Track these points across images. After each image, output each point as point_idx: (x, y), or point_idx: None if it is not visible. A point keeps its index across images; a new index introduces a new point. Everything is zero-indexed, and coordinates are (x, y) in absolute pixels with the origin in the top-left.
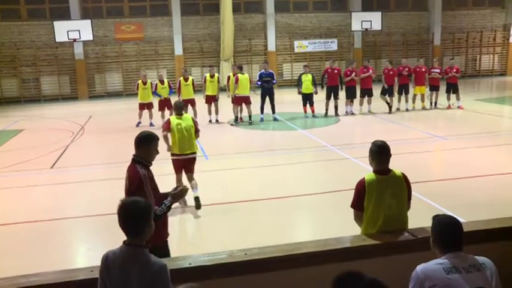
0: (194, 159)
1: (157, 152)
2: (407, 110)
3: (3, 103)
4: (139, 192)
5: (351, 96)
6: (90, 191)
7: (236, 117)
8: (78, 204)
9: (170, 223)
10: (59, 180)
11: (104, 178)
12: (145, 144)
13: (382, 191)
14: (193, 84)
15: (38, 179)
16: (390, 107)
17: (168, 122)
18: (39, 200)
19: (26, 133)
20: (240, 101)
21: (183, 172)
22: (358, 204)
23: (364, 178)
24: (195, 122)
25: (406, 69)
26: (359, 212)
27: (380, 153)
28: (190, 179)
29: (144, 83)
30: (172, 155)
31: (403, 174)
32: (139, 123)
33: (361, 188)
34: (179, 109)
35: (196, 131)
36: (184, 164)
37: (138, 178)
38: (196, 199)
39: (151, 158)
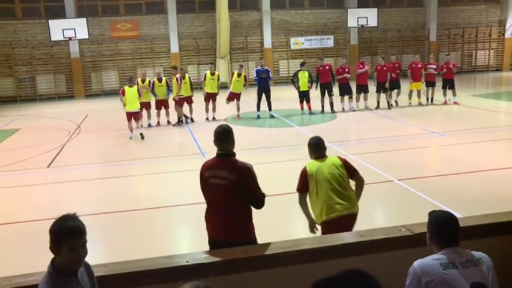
0: None
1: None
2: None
3: None
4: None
5: (344, 93)
6: (87, 190)
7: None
8: (75, 203)
9: (164, 221)
10: (56, 179)
11: (100, 177)
12: (231, 138)
13: (323, 174)
14: (190, 81)
15: (34, 178)
16: (388, 103)
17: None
18: (36, 199)
19: (22, 132)
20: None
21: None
22: (302, 187)
23: (306, 166)
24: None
25: (396, 65)
26: (303, 193)
27: (318, 145)
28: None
29: (143, 81)
30: None
31: (339, 157)
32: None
33: (304, 174)
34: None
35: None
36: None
37: (250, 168)
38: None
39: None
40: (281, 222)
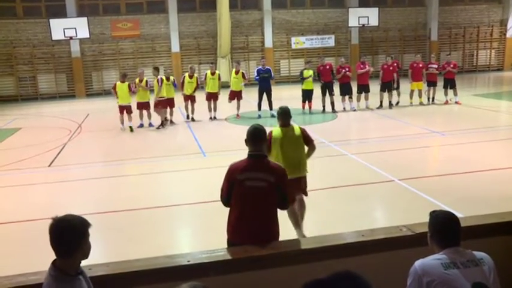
0: None
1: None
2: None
3: (0, 102)
4: None
5: (345, 93)
6: (88, 189)
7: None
8: (76, 202)
9: (165, 221)
10: (57, 178)
11: (101, 176)
12: (265, 138)
13: (284, 140)
14: (197, 82)
15: (35, 177)
16: (390, 102)
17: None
18: (37, 199)
19: (23, 132)
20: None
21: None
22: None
23: (272, 131)
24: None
25: (391, 67)
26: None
27: (285, 114)
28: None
29: (140, 81)
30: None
31: (299, 127)
32: (141, 125)
33: (270, 137)
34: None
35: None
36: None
37: (285, 171)
38: None
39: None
40: (282, 222)
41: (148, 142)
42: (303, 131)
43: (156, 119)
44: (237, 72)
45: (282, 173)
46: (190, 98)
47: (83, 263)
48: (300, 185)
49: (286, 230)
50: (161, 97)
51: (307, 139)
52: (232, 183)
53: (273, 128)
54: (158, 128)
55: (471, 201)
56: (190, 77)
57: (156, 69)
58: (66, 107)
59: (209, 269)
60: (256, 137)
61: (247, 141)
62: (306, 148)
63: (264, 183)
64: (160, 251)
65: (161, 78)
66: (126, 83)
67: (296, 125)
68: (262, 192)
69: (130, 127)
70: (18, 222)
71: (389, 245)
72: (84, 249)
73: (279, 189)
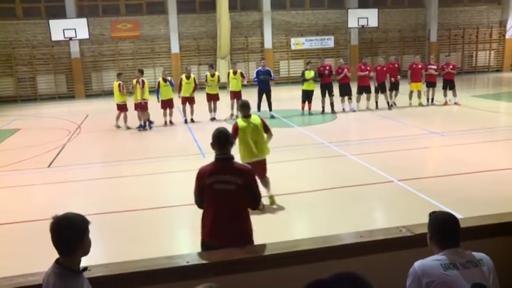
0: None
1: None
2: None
3: None
4: None
5: (344, 94)
6: (88, 190)
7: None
8: (75, 203)
9: (164, 221)
10: (56, 179)
11: (101, 177)
12: (231, 141)
13: (247, 127)
14: (195, 82)
15: (35, 178)
16: (388, 103)
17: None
18: (37, 199)
19: (22, 132)
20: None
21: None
22: (233, 136)
23: (237, 121)
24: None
25: (384, 68)
26: (233, 140)
27: (245, 107)
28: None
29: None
30: None
31: (259, 116)
32: (150, 124)
33: (236, 127)
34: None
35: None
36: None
37: (251, 171)
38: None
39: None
40: (281, 222)
41: (148, 143)
42: (262, 120)
43: (158, 120)
44: (235, 73)
45: (249, 174)
46: (188, 100)
47: (82, 263)
48: (264, 166)
49: (287, 230)
50: (144, 99)
51: (266, 127)
52: (202, 188)
53: (238, 119)
54: (139, 129)
55: (470, 202)
56: (187, 77)
57: (140, 71)
58: (66, 108)
59: (208, 270)
60: (222, 140)
61: (213, 145)
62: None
63: (232, 186)
64: (160, 252)
65: (142, 81)
66: (117, 82)
67: (256, 115)
68: (231, 195)
69: (127, 126)
70: (17, 223)
71: (388, 246)
72: (84, 246)
73: (249, 189)
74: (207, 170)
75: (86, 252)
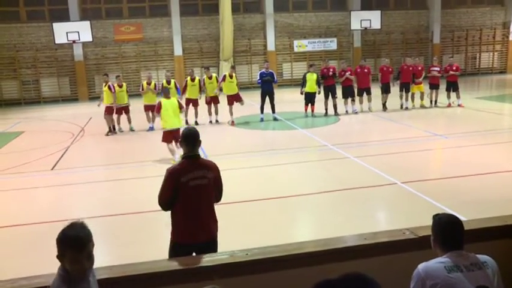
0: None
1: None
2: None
3: (3, 105)
4: None
5: (347, 96)
6: (91, 193)
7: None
8: (79, 205)
9: (167, 224)
10: (60, 181)
11: (104, 179)
12: (198, 140)
13: (167, 105)
14: (199, 84)
15: (38, 180)
16: (383, 104)
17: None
18: (40, 202)
19: (26, 135)
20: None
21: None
22: (158, 110)
23: (160, 101)
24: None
25: (390, 69)
26: (158, 114)
27: (167, 91)
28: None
29: (148, 84)
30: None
31: (176, 99)
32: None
33: (160, 105)
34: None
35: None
36: None
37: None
38: None
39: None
40: (285, 224)
41: (151, 145)
42: (178, 101)
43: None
44: (231, 76)
45: (216, 167)
46: (193, 102)
47: None
48: (178, 134)
49: (290, 233)
50: (112, 104)
51: (180, 106)
52: (176, 188)
53: (161, 99)
54: (107, 134)
55: (474, 204)
56: (193, 80)
57: (106, 75)
58: (69, 111)
59: (212, 272)
60: (192, 139)
61: (181, 143)
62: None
63: (205, 180)
64: (164, 254)
65: (112, 85)
66: (153, 83)
67: (174, 98)
68: (205, 189)
69: (119, 129)
70: (21, 226)
71: (392, 248)
72: (67, 266)
73: (217, 182)
74: (180, 169)
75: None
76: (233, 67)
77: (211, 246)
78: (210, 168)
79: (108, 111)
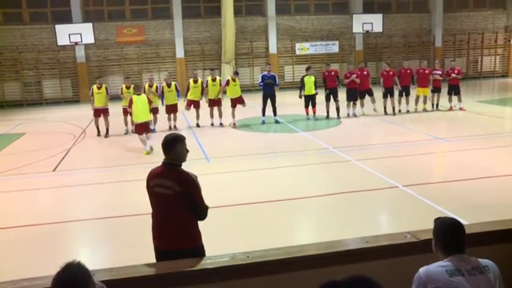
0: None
1: (187, 151)
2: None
3: (6, 106)
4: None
5: (351, 99)
6: (93, 194)
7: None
8: (80, 207)
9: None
10: (61, 183)
11: (106, 181)
12: (175, 147)
13: (137, 101)
14: (202, 86)
15: (40, 182)
16: (394, 108)
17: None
18: (42, 203)
19: (28, 136)
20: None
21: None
22: (130, 105)
23: (132, 97)
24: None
25: (391, 72)
26: (130, 108)
27: (138, 88)
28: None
29: (150, 86)
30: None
31: (145, 95)
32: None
33: (131, 100)
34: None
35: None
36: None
37: (195, 180)
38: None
39: (183, 159)
40: (287, 227)
41: (154, 147)
42: (147, 97)
43: (161, 124)
44: (234, 80)
45: (188, 183)
46: (194, 104)
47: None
48: (148, 126)
49: (291, 236)
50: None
51: (149, 101)
52: (147, 189)
53: (133, 95)
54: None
55: (476, 208)
56: (195, 81)
57: (101, 77)
58: (71, 112)
59: (213, 275)
60: (164, 145)
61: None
62: None
63: (170, 191)
64: None
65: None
66: (154, 85)
67: (144, 95)
68: (169, 200)
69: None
70: (22, 227)
71: (393, 252)
72: None
73: (188, 198)
74: (152, 173)
75: None
76: (236, 73)
77: (178, 257)
78: (181, 182)
79: (97, 113)
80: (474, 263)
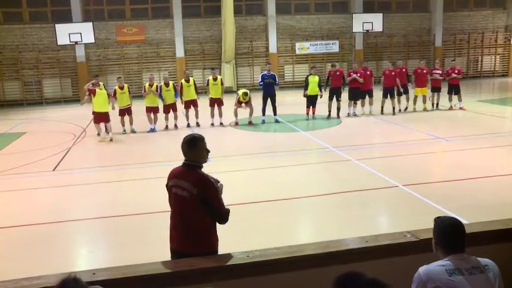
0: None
1: (208, 151)
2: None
3: (6, 106)
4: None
5: (353, 98)
6: (92, 194)
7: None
8: (80, 206)
9: (166, 227)
10: (61, 182)
11: (106, 181)
12: (196, 149)
13: (99, 94)
14: (195, 85)
15: (40, 181)
16: (394, 108)
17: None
18: (42, 203)
19: (28, 136)
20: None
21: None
22: (114, 95)
23: (115, 88)
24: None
25: (393, 73)
26: (114, 97)
27: (120, 80)
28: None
29: (150, 85)
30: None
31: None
32: (152, 129)
33: (115, 91)
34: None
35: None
36: None
37: (214, 183)
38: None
39: (204, 160)
40: (286, 227)
41: (153, 147)
42: (107, 92)
43: (161, 124)
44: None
45: (206, 186)
46: (192, 103)
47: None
48: (106, 116)
49: (291, 235)
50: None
51: (108, 95)
52: (166, 188)
53: (97, 89)
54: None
55: (476, 207)
56: (187, 81)
57: (97, 76)
58: (71, 112)
59: (212, 274)
60: (183, 146)
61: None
62: None
63: (186, 193)
64: (164, 256)
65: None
66: (155, 85)
67: (104, 90)
68: (186, 202)
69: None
70: (22, 226)
71: (393, 251)
72: None
73: (204, 201)
74: (172, 172)
75: None
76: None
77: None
78: (198, 185)
79: (121, 113)
80: (474, 262)
